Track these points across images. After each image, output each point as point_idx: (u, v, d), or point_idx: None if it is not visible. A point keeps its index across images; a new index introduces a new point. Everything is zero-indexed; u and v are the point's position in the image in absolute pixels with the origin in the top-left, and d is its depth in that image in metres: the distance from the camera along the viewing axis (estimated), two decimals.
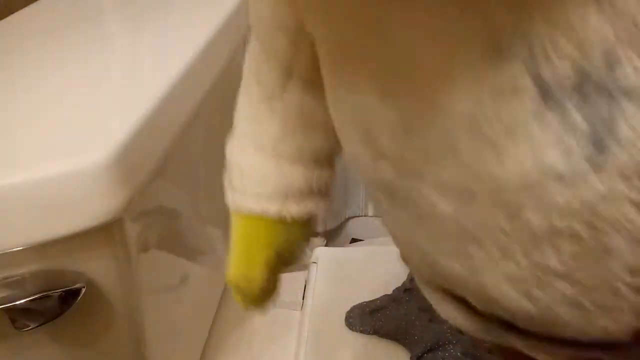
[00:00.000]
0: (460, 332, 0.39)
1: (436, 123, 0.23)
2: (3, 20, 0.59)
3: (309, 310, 0.70)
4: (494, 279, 0.25)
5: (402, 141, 0.25)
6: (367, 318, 0.66)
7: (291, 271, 0.92)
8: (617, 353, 0.26)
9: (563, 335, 0.26)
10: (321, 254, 0.79)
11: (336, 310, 0.68)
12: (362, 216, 1.08)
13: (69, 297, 0.38)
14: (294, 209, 0.38)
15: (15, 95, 0.44)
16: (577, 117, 0.21)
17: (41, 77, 0.47)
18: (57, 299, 0.37)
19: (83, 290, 0.38)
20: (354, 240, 1.09)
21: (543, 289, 0.24)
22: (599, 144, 0.21)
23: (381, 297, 0.70)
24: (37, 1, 0.65)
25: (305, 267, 0.80)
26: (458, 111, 0.23)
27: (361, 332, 0.65)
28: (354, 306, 0.68)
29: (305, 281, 0.77)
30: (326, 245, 1.07)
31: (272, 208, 0.38)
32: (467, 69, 0.22)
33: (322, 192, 0.40)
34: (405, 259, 0.33)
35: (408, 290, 0.71)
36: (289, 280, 0.81)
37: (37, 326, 0.37)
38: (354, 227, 1.09)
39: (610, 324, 0.24)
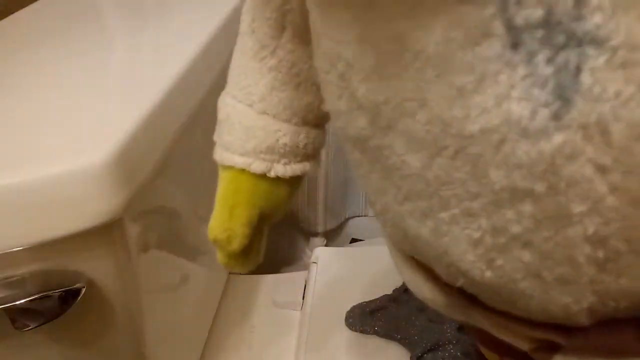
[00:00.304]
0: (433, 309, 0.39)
1: (409, 69, 0.23)
2: (3, 20, 0.59)
3: (309, 310, 0.70)
4: (457, 243, 0.25)
5: (377, 90, 0.25)
6: (367, 318, 0.66)
7: (291, 271, 0.92)
8: (578, 338, 0.25)
9: (527, 314, 0.26)
10: (321, 254, 0.79)
11: (336, 310, 0.68)
12: (362, 216, 1.08)
13: (69, 297, 0.38)
14: (279, 167, 0.39)
15: (15, 95, 0.44)
16: (544, 67, 0.20)
17: (41, 77, 0.47)
18: (57, 299, 0.37)
19: (83, 290, 0.38)
20: (354, 240, 1.09)
21: (504, 255, 0.24)
22: (563, 96, 0.20)
23: (381, 297, 0.70)
24: (37, 1, 0.65)
25: (305, 267, 0.80)
26: (430, 55, 0.22)
27: (361, 332, 0.65)
28: (354, 306, 0.68)
29: (305, 281, 0.77)
30: (326, 245, 1.07)
31: (257, 164, 0.38)
32: (440, 10, 0.21)
33: (310, 152, 0.40)
34: (380, 222, 0.33)
35: (408, 290, 0.71)
36: (289, 280, 0.82)
37: (37, 326, 0.37)
38: (354, 227, 1.09)
39: (570, 302, 0.24)
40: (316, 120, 0.39)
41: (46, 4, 0.64)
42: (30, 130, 0.39)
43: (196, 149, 0.57)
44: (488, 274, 0.25)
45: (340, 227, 1.09)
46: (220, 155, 0.40)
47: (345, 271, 0.76)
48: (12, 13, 0.61)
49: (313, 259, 0.79)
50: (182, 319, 0.60)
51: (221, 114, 0.40)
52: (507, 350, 0.30)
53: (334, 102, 0.29)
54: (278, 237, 1.11)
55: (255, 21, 0.36)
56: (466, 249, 0.25)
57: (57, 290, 0.37)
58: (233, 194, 0.39)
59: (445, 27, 0.21)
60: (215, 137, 0.40)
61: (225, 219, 0.39)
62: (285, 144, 0.38)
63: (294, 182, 0.41)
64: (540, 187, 0.21)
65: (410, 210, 0.27)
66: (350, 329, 0.66)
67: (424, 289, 0.33)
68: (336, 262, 0.78)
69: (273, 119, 0.38)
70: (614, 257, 0.22)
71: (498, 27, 0.20)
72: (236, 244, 0.39)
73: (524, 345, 0.29)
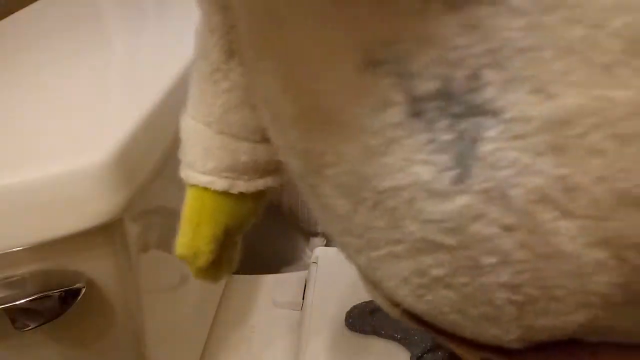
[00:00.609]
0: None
1: (325, 125, 0.24)
2: (3, 20, 0.59)
3: (309, 310, 0.70)
4: (389, 278, 0.26)
5: (303, 137, 0.26)
6: (367, 318, 0.66)
7: (291, 271, 0.92)
8: (517, 358, 0.26)
9: (464, 335, 0.27)
10: (321, 254, 0.79)
11: (336, 310, 0.68)
12: None
13: (69, 297, 0.38)
14: (241, 184, 0.39)
15: (15, 95, 0.44)
16: (444, 135, 0.21)
17: (41, 77, 0.47)
18: (57, 299, 0.37)
19: (83, 290, 0.38)
20: None
21: (431, 293, 0.25)
22: (463, 162, 0.21)
23: None
24: (37, 1, 0.65)
25: (305, 267, 0.80)
26: (343, 119, 0.23)
27: (361, 332, 0.65)
28: (354, 306, 0.68)
29: (305, 281, 0.77)
30: (326, 245, 1.07)
31: (219, 182, 0.38)
32: (344, 78, 0.22)
33: (271, 168, 0.40)
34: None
35: None
36: (289, 280, 0.82)
37: (37, 326, 0.37)
38: None
39: (499, 333, 0.25)
40: None
41: (46, 4, 0.64)
42: (30, 130, 0.39)
43: None
44: (420, 306, 0.26)
45: None
46: (185, 173, 0.40)
47: (345, 271, 0.76)
48: (12, 13, 0.61)
49: (313, 259, 0.79)
50: (182, 319, 0.60)
51: (182, 134, 0.40)
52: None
53: (272, 137, 0.30)
54: (278, 237, 1.11)
55: (206, 45, 0.37)
56: (397, 284, 0.26)
57: (57, 290, 0.37)
58: (197, 212, 0.40)
59: (351, 94, 0.22)
60: (180, 155, 0.41)
61: (191, 237, 0.40)
62: (245, 162, 0.39)
63: (258, 196, 0.41)
64: (450, 241, 0.22)
65: (347, 243, 0.28)
66: (350, 329, 0.66)
67: (380, 302, 0.33)
68: (336, 262, 0.78)
69: (231, 139, 0.38)
70: (530, 301, 0.22)
71: (398, 96, 0.21)
72: (202, 260, 0.40)
73: (474, 359, 0.30)
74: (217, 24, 0.35)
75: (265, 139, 0.38)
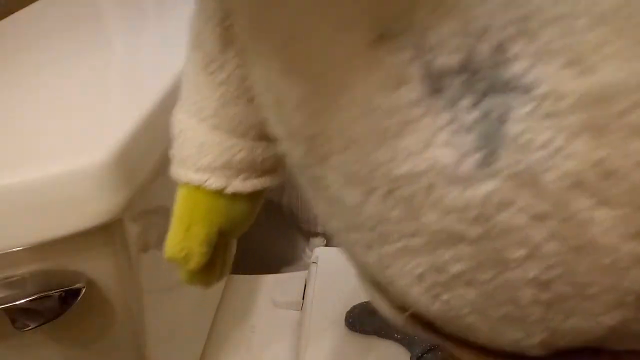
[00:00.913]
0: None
1: (333, 107, 0.22)
2: (3, 20, 0.59)
3: (309, 310, 0.70)
4: (402, 276, 0.24)
5: (308, 122, 0.24)
6: (367, 318, 0.66)
7: (291, 271, 0.92)
8: None
9: (478, 342, 0.25)
10: (321, 254, 0.79)
11: (336, 310, 0.68)
12: None
13: (69, 297, 0.38)
14: (238, 183, 0.37)
15: (15, 95, 0.44)
16: (468, 114, 0.19)
17: (41, 77, 0.47)
18: (57, 299, 0.37)
19: (83, 290, 0.38)
20: None
21: (448, 292, 0.23)
22: (489, 144, 0.19)
23: None
24: (37, 1, 0.65)
25: (305, 267, 0.80)
26: (352, 99, 0.21)
27: (361, 332, 0.65)
28: (354, 306, 0.68)
29: (305, 281, 0.77)
30: (326, 245, 1.07)
31: (213, 180, 0.36)
32: (355, 54, 0.21)
33: (268, 167, 0.38)
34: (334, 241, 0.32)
35: None
36: (289, 280, 0.82)
37: (37, 326, 0.37)
38: None
39: (521, 336, 0.23)
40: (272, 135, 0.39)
41: (46, 4, 0.64)
42: (30, 130, 0.39)
43: None
44: (434, 307, 0.24)
45: None
46: (176, 171, 0.37)
47: (345, 271, 0.76)
48: (12, 13, 0.61)
49: (313, 259, 0.79)
50: (182, 319, 0.60)
51: (175, 130, 0.38)
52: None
53: (273, 126, 0.28)
54: (278, 237, 1.11)
55: (200, 35, 0.35)
56: (411, 282, 0.24)
57: (57, 290, 0.37)
58: (189, 212, 0.37)
59: (362, 71, 0.21)
60: (172, 152, 0.38)
61: (182, 238, 0.37)
62: (242, 160, 0.36)
63: (255, 196, 0.38)
64: (473, 232, 0.21)
65: (355, 240, 0.26)
66: (350, 329, 0.66)
67: (382, 307, 0.31)
68: (336, 262, 0.78)
69: (227, 135, 0.36)
70: (559, 299, 0.21)
71: (416, 72, 0.19)
72: (194, 263, 0.37)
73: None
74: (212, 12, 0.33)
75: (262, 137, 0.36)
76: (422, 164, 0.20)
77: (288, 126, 0.26)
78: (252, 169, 0.37)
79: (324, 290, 0.72)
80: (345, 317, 0.67)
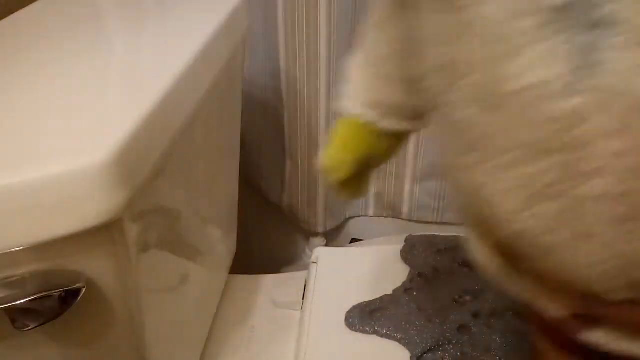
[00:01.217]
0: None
1: (463, 37, 0.29)
2: (3, 20, 0.59)
3: (309, 310, 0.70)
4: (496, 193, 0.29)
5: (443, 53, 0.31)
6: (367, 318, 0.66)
7: (291, 271, 0.92)
8: (618, 311, 0.29)
9: (563, 274, 0.29)
10: (321, 254, 0.79)
11: (336, 310, 0.68)
12: (362, 216, 1.08)
13: (69, 297, 0.38)
14: (393, 122, 0.47)
15: (15, 95, 0.44)
16: (569, 42, 0.24)
17: (40, 77, 0.47)
18: (57, 299, 0.37)
19: (83, 290, 0.38)
20: (354, 240, 1.09)
21: (535, 207, 0.28)
22: (584, 66, 0.24)
23: (381, 297, 0.70)
24: (37, 1, 0.65)
25: (305, 267, 0.80)
26: (478, 27, 0.28)
27: (361, 332, 0.65)
28: (354, 306, 0.68)
29: (305, 281, 0.77)
30: (326, 245, 1.07)
31: (371, 114, 0.46)
32: None
33: (420, 114, 0.47)
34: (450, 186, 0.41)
35: (408, 290, 0.71)
36: (289, 280, 0.82)
37: (37, 326, 0.37)
38: (354, 227, 1.09)
39: (594, 260, 0.27)
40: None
41: (46, 4, 0.64)
42: (30, 130, 0.39)
43: (196, 149, 0.57)
44: (519, 225, 0.29)
45: (340, 227, 1.09)
46: (341, 104, 0.48)
47: (345, 271, 0.76)
48: (12, 13, 0.61)
49: (313, 259, 0.79)
50: (182, 319, 0.60)
51: (347, 71, 0.48)
52: (569, 344, 0.34)
53: (428, 60, 0.35)
54: (278, 237, 1.11)
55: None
56: (503, 199, 0.29)
57: (57, 290, 0.37)
58: (345, 136, 0.48)
59: (494, 6, 0.26)
60: (340, 91, 0.49)
61: (337, 152, 0.48)
62: (399, 106, 0.46)
63: (399, 137, 0.49)
64: (558, 144, 0.25)
65: (462, 163, 0.32)
66: (350, 329, 0.66)
67: (480, 255, 0.37)
68: (336, 262, 0.78)
69: (391, 83, 0.46)
70: (629, 217, 0.25)
71: (532, 6, 0.25)
72: (343, 172, 0.48)
73: (564, 310, 0.32)
74: None
75: (416, 90, 0.44)
76: (528, 81, 0.26)
77: (435, 57, 0.33)
78: (406, 113, 0.47)
79: (324, 290, 0.72)
80: (345, 317, 0.67)
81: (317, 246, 0.96)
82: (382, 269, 0.75)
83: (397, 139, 0.49)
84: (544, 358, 0.39)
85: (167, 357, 0.55)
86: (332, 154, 0.48)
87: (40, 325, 0.37)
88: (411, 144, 0.96)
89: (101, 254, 0.39)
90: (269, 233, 1.11)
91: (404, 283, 0.72)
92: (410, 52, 0.42)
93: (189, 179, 0.57)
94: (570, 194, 0.26)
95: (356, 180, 0.50)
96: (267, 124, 1.00)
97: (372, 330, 0.65)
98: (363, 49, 0.47)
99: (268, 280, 0.83)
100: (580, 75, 0.24)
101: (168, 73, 0.46)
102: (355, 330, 0.65)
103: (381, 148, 0.49)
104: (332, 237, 1.09)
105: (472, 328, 0.64)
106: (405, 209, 1.03)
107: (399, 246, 0.78)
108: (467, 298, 0.68)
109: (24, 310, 0.37)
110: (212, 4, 0.64)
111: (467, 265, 0.73)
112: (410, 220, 1.04)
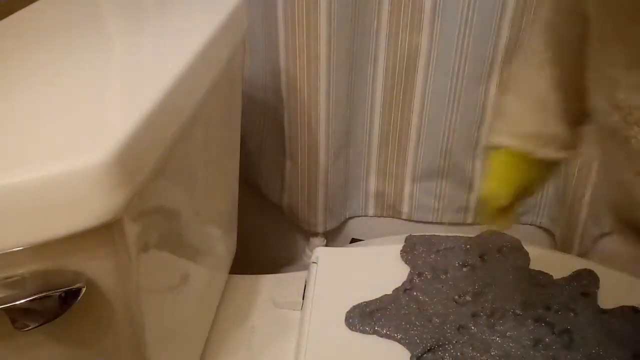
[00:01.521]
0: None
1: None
2: (3, 20, 0.59)
3: (309, 310, 0.70)
4: None
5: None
6: (367, 318, 0.66)
7: (291, 271, 0.92)
8: None
9: None
10: (321, 254, 0.79)
11: (336, 310, 0.68)
12: (362, 216, 1.08)
13: (69, 297, 0.38)
14: (548, 152, 0.50)
15: (15, 95, 0.44)
16: None
17: (40, 77, 0.47)
18: (57, 299, 0.37)
19: (83, 290, 0.38)
20: (354, 240, 1.09)
21: None
22: None
23: (381, 297, 0.70)
24: (37, 1, 0.65)
25: (305, 267, 0.80)
26: None
27: (361, 332, 0.65)
28: (354, 306, 0.68)
29: (305, 281, 0.77)
30: (326, 245, 1.07)
31: (528, 146, 0.50)
32: None
33: (575, 145, 0.51)
34: (610, 195, 0.44)
35: (408, 290, 0.71)
36: (289, 280, 0.82)
37: (37, 326, 0.37)
38: (354, 227, 1.09)
39: None
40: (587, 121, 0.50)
41: (46, 4, 0.64)
42: (30, 130, 0.39)
43: (196, 149, 0.57)
44: None
45: (340, 227, 1.09)
46: (498, 139, 0.52)
47: (345, 271, 0.76)
48: (12, 13, 0.61)
49: (313, 259, 0.79)
50: (182, 319, 0.60)
51: (502, 106, 0.52)
52: None
53: (601, 97, 0.39)
54: (278, 237, 1.11)
55: (554, 27, 0.47)
56: None
57: (57, 290, 0.37)
58: (503, 168, 0.52)
59: None
60: (492, 125, 0.54)
61: (497, 184, 0.52)
62: (555, 137, 0.49)
63: (553, 166, 0.52)
64: None
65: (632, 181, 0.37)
66: (350, 329, 0.66)
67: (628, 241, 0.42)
68: (336, 262, 0.78)
69: (549, 116, 0.49)
70: None
71: None
72: (500, 201, 0.52)
73: None
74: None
75: (579, 124, 0.49)
76: None
77: (612, 97, 0.36)
78: (562, 144, 0.50)
79: (324, 290, 0.72)
80: (345, 317, 0.67)
81: (317, 246, 0.96)
82: (382, 269, 0.75)
83: (549, 168, 0.52)
84: None
85: (167, 357, 0.55)
86: (492, 185, 0.52)
87: (40, 325, 0.37)
88: (411, 144, 0.96)
89: (101, 254, 0.39)
90: (269, 233, 1.11)
91: (404, 283, 0.72)
92: (574, 89, 0.45)
93: (189, 179, 0.57)
94: None
95: (510, 209, 0.54)
96: (267, 124, 1.00)
97: (372, 330, 0.65)
98: (518, 79, 0.51)
99: (268, 280, 0.83)
100: None
101: (168, 73, 0.46)
102: (355, 330, 0.65)
103: (540, 175, 0.53)
104: (332, 237, 1.09)
105: (472, 328, 0.64)
106: (405, 209, 1.03)
107: (399, 246, 0.78)
108: (467, 298, 0.68)
109: (24, 310, 0.37)
110: (212, 4, 0.64)
111: (467, 265, 0.73)
112: (410, 220, 1.04)
